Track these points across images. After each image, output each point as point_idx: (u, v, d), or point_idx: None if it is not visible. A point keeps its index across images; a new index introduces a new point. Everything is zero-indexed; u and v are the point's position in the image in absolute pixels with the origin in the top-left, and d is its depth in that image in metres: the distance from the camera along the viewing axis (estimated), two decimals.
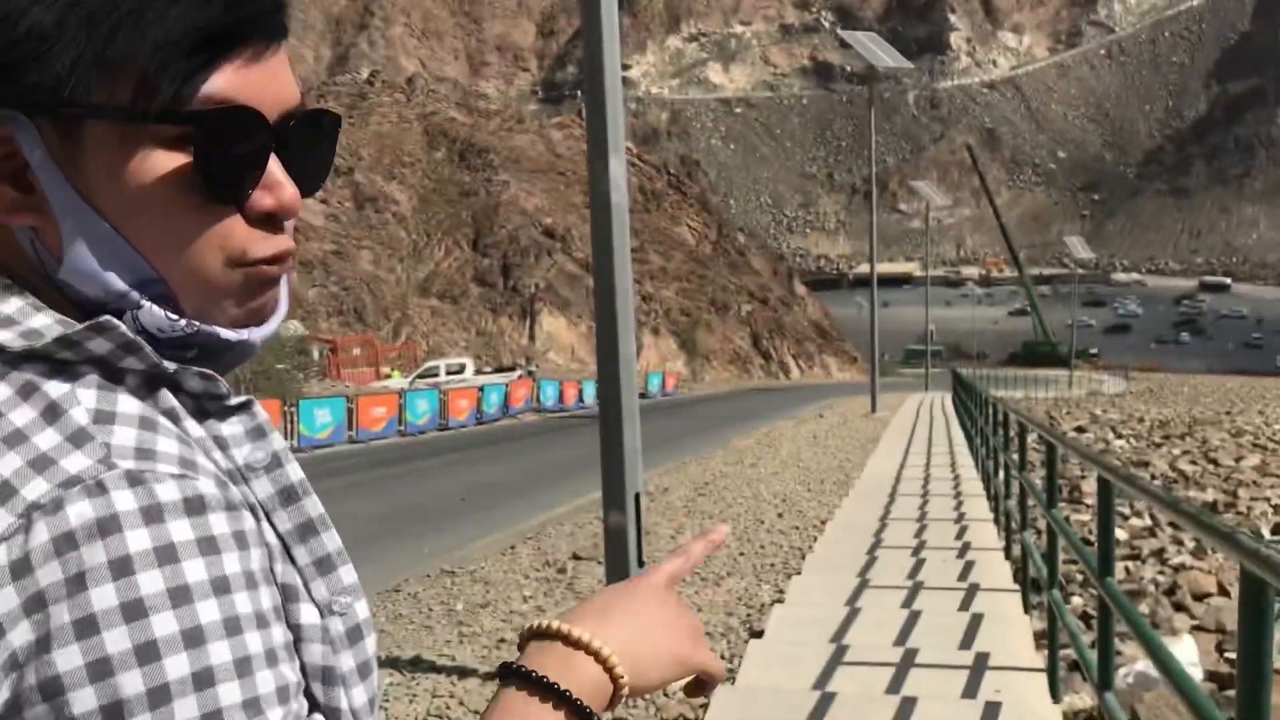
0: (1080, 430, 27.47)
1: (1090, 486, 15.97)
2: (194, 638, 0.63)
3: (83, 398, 0.69)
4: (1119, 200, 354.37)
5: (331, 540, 0.78)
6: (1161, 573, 10.24)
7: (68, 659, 0.61)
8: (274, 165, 0.77)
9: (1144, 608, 8.93)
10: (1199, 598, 9.17)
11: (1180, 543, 11.83)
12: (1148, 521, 13.45)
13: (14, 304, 0.72)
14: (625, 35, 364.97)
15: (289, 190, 0.77)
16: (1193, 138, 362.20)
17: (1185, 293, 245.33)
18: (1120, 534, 12.20)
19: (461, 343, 60.02)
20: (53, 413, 0.68)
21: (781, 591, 8.42)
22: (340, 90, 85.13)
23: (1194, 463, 20.76)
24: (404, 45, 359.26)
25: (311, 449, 23.67)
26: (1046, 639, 6.31)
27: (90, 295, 0.74)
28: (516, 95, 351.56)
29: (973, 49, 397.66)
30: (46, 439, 0.66)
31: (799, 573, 9.10)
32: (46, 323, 0.71)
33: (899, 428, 26.83)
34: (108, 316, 0.71)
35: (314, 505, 0.78)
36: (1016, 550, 9.24)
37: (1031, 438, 9.03)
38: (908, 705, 5.47)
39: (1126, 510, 14.07)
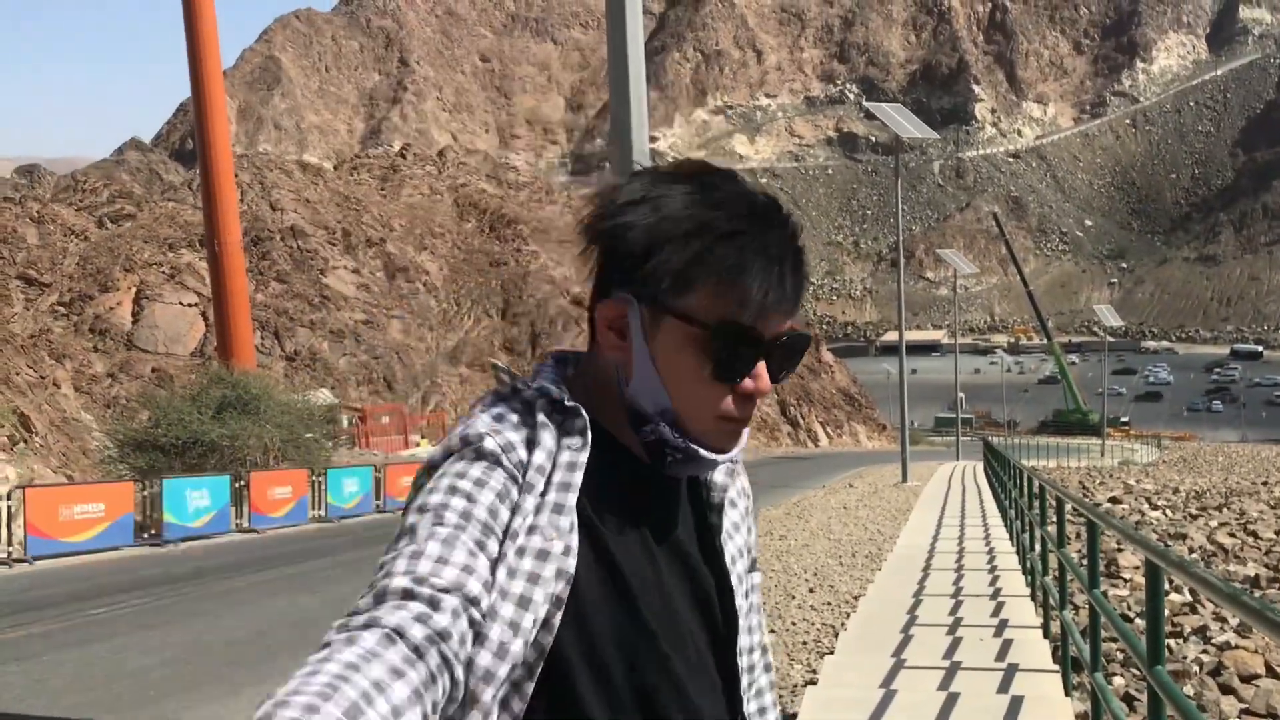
0: (1114, 501, 27.02)
1: (1128, 561, 15.64)
2: (428, 498, 1.23)
3: (502, 410, 1.31)
4: (1147, 268, 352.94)
5: (547, 534, 1.26)
6: (1205, 652, 9.93)
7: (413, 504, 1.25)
8: (760, 364, 1.29)
9: (1188, 689, 8.65)
10: (1246, 679, 8.87)
11: (1223, 620, 11.50)
12: (1188, 597, 13.13)
13: (553, 380, 1.34)
14: (653, 108, 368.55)
15: (766, 382, 1.30)
16: (1220, 205, 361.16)
17: (1216, 360, 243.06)
18: None
19: None
20: (480, 418, 1.31)
21: (814, 672, 8.22)
22: (373, 163, 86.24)
23: (1232, 535, 20.32)
24: (436, 118, 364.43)
25: (339, 519, 23.57)
26: None
27: (639, 410, 1.31)
28: (545, 167, 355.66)
29: (997, 119, 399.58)
30: (472, 421, 1.30)
31: (832, 651, 8.90)
32: (543, 385, 1.32)
33: (931, 498, 26.50)
34: (543, 384, 1.32)
35: (565, 503, 1.29)
36: (1055, 628, 9.12)
37: (1068, 509, 8.81)
38: None
39: (1165, 585, 13.71)
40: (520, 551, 1.21)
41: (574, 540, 1.24)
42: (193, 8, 41.25)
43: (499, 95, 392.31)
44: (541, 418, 1.29)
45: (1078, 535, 17.09)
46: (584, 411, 1.30)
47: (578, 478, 1.27)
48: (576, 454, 1.28)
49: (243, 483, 21.18)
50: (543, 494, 1.25)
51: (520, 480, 1.25)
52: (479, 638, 1.15)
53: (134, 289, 53.39)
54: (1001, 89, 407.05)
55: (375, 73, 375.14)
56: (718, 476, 1.47)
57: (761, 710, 1.51)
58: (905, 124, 31.00)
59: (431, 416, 56.30)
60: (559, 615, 1.21)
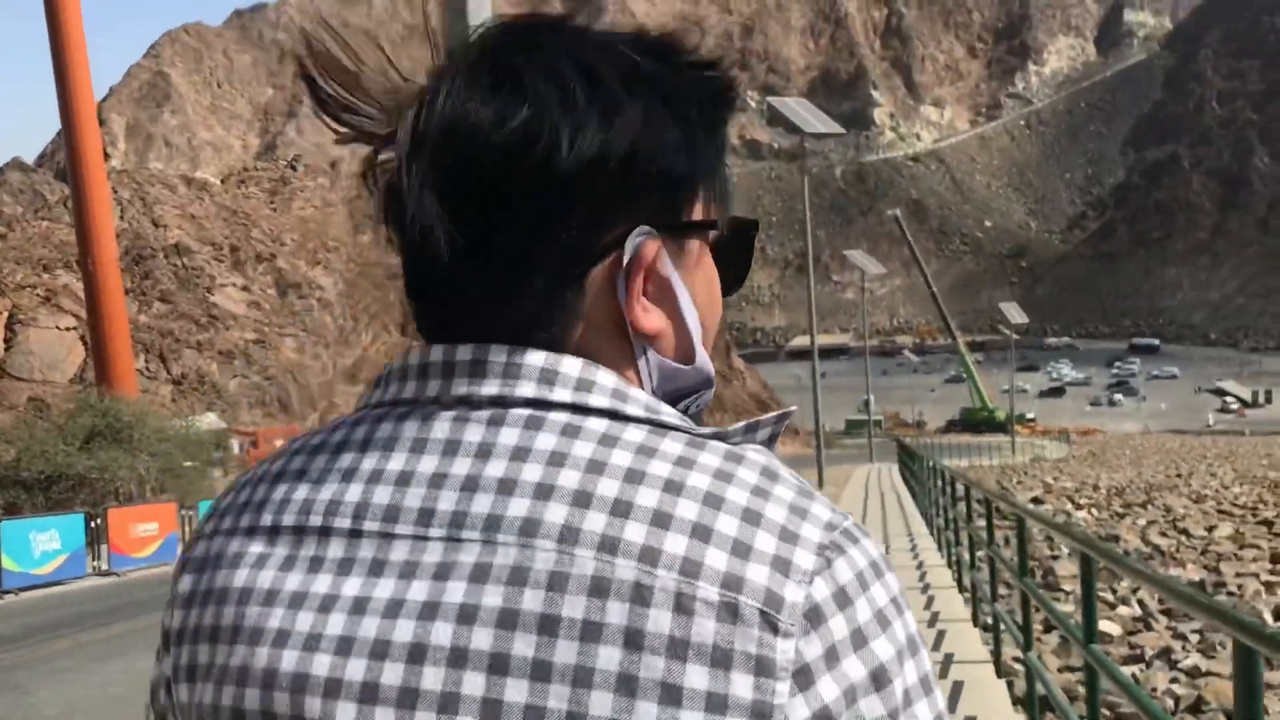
0: (1037, 501, 26.22)
1: (1064, 570, 14.61)
2: (916, 650, 0.75)
3: (770, 460, 0.79)
4: (1046, 266, 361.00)
5: None
6: (1175, 680, 8.74)
7: (904, 680, 0.73)
8: None
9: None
10: (1232, 715, 7.65)
11: (1184, 638, 10.38)
12: (1137, 610, 12.03)
13: (663, 405, 0.81)
14: None
15: None
16: (1113, 203, 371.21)
17: (1116, 354, 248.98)
18: (1113, 628, 10.77)
19: None
20: (771, 473, 0.77)
21: None
22: (262, 175, 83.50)
23: (1164, 534, 19.53)
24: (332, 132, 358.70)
25: None
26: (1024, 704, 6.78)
27: (679, 389, 0.87)
28: None
29: (896, 123, 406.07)
30: (784, 491, 0.75)
31: None
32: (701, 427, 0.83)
33: (850, 502, 25.43)
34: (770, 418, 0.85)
35: None
36: (984, 616, 9.64)
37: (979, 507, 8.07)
38: None
39: (1110, 597, 12.66)
40: None
41: None
42: (56, 13, 38.95)
43: None
44: None
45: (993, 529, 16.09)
46: None
47: None
48: None
49: (99, 521, 19.14)
50: None
51: None
52: None
53: (6, 313, 50.39)
54: (899, 94, 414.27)
55: (269, 87, 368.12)
56: None
57: None
58: (810, 118, 29.99)
59: None
60: None
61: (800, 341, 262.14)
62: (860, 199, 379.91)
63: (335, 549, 0.76)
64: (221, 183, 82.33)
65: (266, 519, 0.80)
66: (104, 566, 18.94)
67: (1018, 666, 8.50)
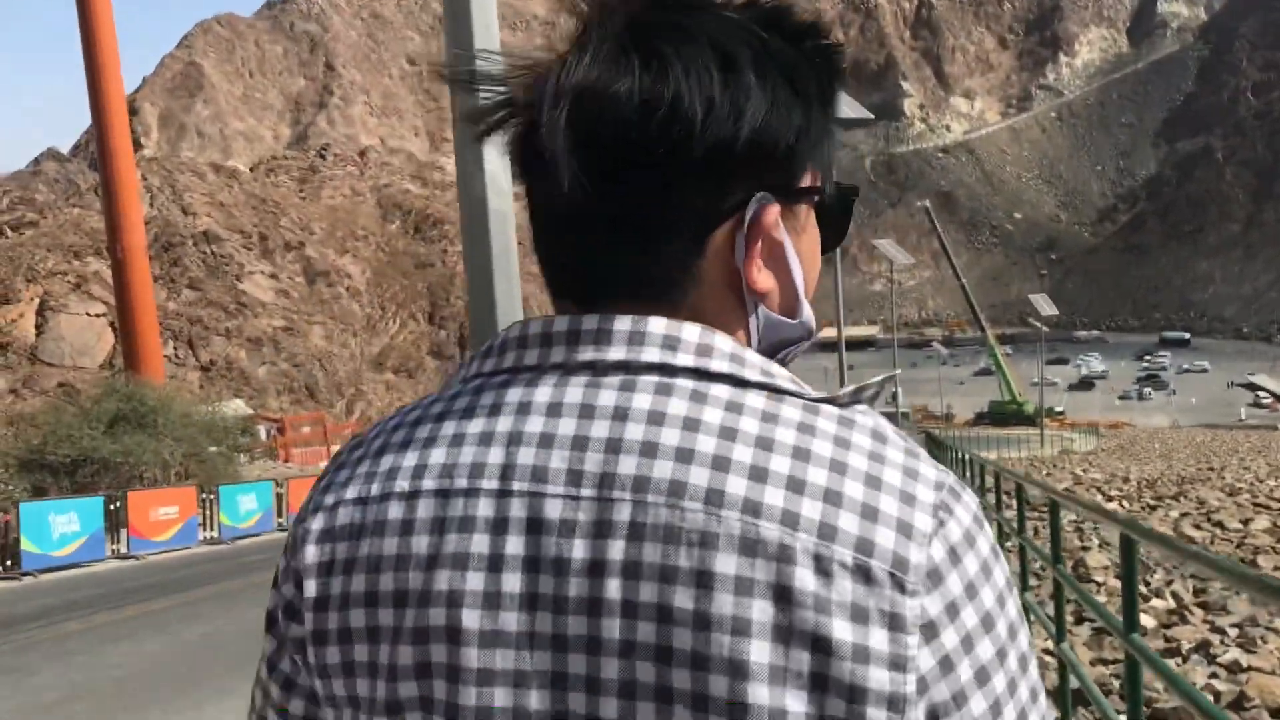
0: (1067, 493, 25.83)
1: (1095, 561, 14.27)
2: (1012, 588, 0.83)
3: (878, 421, 0.84)
4: (1076, 259, 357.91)
5: None
6: (1215, 676, 8.42)
7: (1006, 617, 0.80)
8: None
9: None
10: (1277, 712, 7.34)
11: (1222, 632, 10.04)
12: (1171, 603, 11.69)
13: (774, 366, 0.86)
14: None
15: None
16: (1145, 196, 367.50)
17: (1146, 348, 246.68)
18: (1147, 621, 10.44)
19: None
20: (881, 435, 0.82)
21: None
22: (291, 164, 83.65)
23: (1198, 527, 19.09)
24: (364, 123, 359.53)
25: (234, 540, 21.56)
26: (1057, 697, 6.31)
27: (791, 328, 0.92)
28: None
29: (926, 115, 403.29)
30: (895, 453, 0.81)
31: None
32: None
33: None
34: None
35: None
36: None
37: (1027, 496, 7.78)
38: None
39: (1143, 589, 12.32)
40: None
41: None
42: (87, 4, 39.08)
43: (428, 98, 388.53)
44: None
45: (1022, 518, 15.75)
46: None
47: None
48: None
49: (119, 504, 19.11)
50: None
51: None
52: None
53: (37, 299, 50.68)
54: (929, 85, 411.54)
55: (300, 78, 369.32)
56: None
57: None
58: (841, 105, 29.64)
59: (356, 425, 54.16)
60: None
61: (828, 333, 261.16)
62: (889, 190, 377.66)
63: (485, 509, 0.78)
64: (250, 171, 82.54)
65: (401, 484, 0.81)
66: (123, 549, 18.91)
67: (1049, 659, 8.29)
